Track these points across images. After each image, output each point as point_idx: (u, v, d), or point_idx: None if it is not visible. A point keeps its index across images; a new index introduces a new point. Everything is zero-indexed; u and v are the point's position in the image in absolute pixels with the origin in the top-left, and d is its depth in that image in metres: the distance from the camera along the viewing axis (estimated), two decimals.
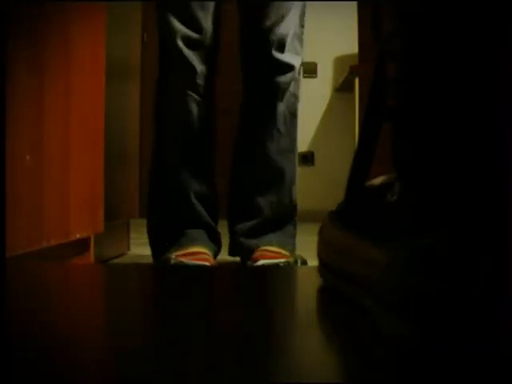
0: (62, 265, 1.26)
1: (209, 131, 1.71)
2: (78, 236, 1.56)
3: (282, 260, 1.54)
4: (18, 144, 1.21)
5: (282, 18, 1.66)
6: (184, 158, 1.67)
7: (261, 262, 1.54)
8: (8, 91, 1.14)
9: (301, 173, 1.87)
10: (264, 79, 1.70)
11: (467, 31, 0.41)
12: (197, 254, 1.57)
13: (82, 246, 1.68)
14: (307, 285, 0.70)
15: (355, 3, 1.55)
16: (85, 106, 1.61)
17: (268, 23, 1.66)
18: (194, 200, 1.66)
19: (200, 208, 1.67)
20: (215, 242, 1.70)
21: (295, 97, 1.74)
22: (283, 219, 1.71)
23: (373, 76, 0.51)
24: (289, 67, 1.70)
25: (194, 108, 1.66)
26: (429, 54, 0.42)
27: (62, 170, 1.46)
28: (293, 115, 1.73)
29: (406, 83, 0.44)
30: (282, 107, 1.70)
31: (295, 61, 1.71)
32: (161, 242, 1.68)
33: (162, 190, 1.69)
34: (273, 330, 0.47)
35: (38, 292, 0.64)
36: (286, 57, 1.68)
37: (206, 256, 1.57)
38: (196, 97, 1.65)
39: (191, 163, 1.67)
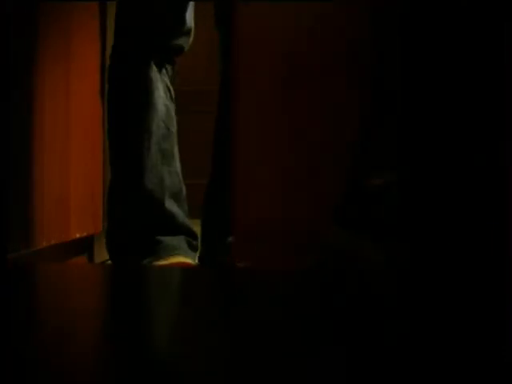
0: (61, 265, 1.27)
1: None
2: (77, 236, 1.56)
3: None
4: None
5: None
6: (158, 152, 1.50)
7: None
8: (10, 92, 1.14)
9: None
10: None
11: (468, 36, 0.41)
12: (179, 264, 1.45)
13: (82, 245, 1.68)
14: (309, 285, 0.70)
15: None
16: (85, 106, 1.61)
17: None
18: (169, 200, 1.50)
19: (176, 208, 1.51)
20: (194, 247, 1.54)
21: None
22: None
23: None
24: None
25: (163, 87, 1.51)
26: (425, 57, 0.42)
27: (61, 171, 1.46)
28: None
29: (410, 85, 0.44)
30: None
31: None
32: (126, 248, 1.49)
33: (132, 190, 1.49)
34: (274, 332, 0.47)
35: (38, 292, 0.64)
36: None
37: (190, 266, 1.47)
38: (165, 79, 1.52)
39: (166, 157, 1.50)
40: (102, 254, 1.93)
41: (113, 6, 1.91)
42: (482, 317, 0.37)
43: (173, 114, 1.56)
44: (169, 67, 1.57)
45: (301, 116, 0.82)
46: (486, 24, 0.41)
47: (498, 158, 0.40)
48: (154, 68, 1.52)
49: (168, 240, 1.48)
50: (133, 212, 1.49)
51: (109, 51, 1.76)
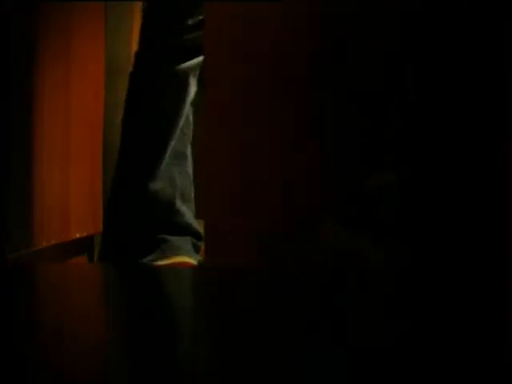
0: (61, 265, 1.27)
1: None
2: (77, 236, 1.56)
3: None
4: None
5: None
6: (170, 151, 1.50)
7: None
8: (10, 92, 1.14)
9: None
10: None
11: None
12: (183, 264, 1.47)
13: (81, 245, 1.68)
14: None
15: None
16: (85, 106, 1.62)
17: None
18: (178, 200, 1.51)
19: (184, 208, 1.52)
20: (198, 248, 1.54)
21: None
22: None
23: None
24: None
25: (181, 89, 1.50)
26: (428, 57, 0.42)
27: (61, 171, 1.46)
28: None
29: (410, 85, 0.44)
30: None
31: None
32: (130, 247, 1.48)
33: (142, 189, 1.49)
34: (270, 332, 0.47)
35: (38, 292, 0.64)
36: None
37: (192, 266, 1.47)
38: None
39: (178, 157, 1.51)
40: None
41: (113, 6, 1.91)
42: (482, 317, 0.37)
43: (191, 118, 1.57)
44: (198, 70, 1.55)
45: (299, 115, 0.82)
46: (486, 24, 0.41)
47: (497, 158, 0.40)
48: (192, 73, 1.51)
49: (174, 240, 1.49)
50: (142, 210, 1.49)
51: (109, 51, 1.76)
